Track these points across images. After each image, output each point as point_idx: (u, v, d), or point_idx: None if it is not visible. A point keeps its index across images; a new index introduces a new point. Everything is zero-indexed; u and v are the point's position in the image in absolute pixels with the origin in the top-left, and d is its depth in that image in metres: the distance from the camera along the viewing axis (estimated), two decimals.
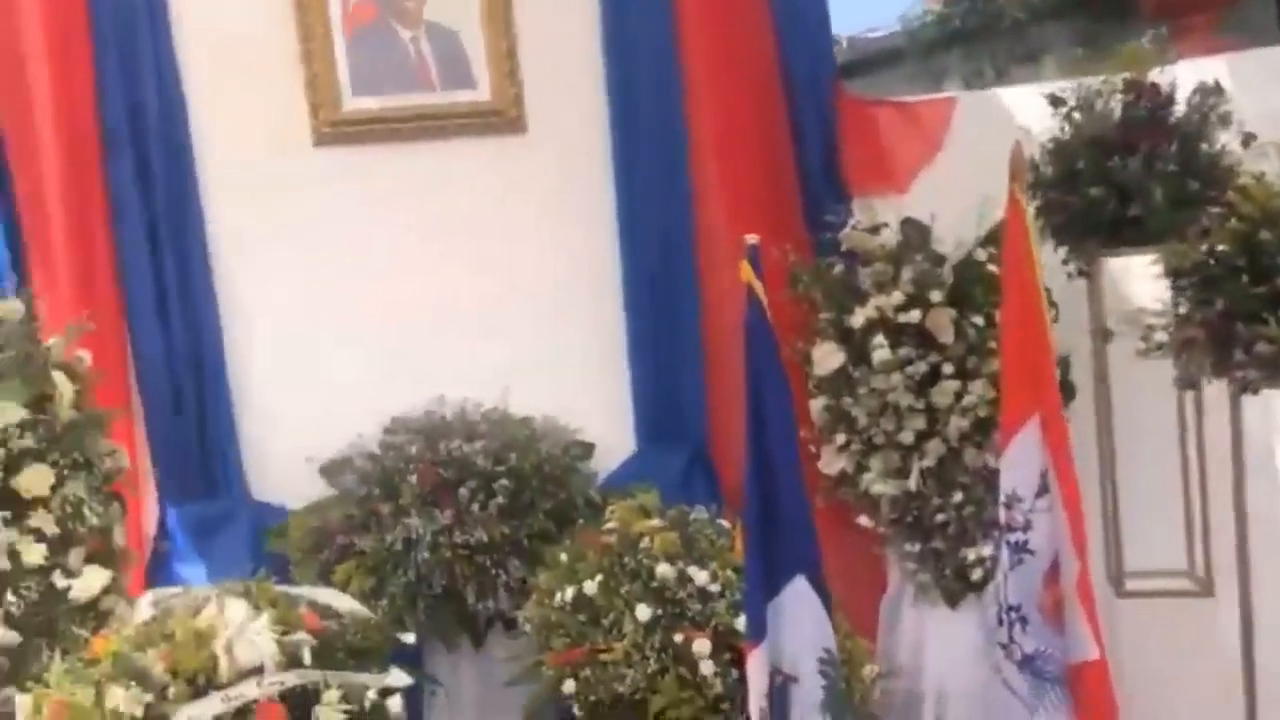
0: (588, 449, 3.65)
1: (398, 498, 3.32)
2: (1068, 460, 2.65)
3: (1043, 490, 2.70)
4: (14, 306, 2.83)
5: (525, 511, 3.36)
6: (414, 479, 3.32)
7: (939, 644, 3.32)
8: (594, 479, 3.63)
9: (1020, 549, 2.72)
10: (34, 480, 2.72)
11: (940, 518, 3.26)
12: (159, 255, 3.56)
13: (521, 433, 3.53)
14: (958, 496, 3.23)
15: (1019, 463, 2.72)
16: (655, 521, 2.95)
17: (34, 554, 2.70)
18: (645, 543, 2.83)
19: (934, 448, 3.25)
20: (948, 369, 3.22)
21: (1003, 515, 2.77)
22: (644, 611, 2.64)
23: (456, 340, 3.70)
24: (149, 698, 2.44)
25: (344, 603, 2.94)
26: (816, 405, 3.43)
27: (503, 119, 3.77)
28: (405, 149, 3.74)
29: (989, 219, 3.24)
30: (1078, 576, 2.62)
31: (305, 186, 3.68)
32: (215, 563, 3.42)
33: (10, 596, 2.69)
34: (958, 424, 3.22)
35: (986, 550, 3.16)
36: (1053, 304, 2.83)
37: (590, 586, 2.76)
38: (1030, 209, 2.78)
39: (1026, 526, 2.70)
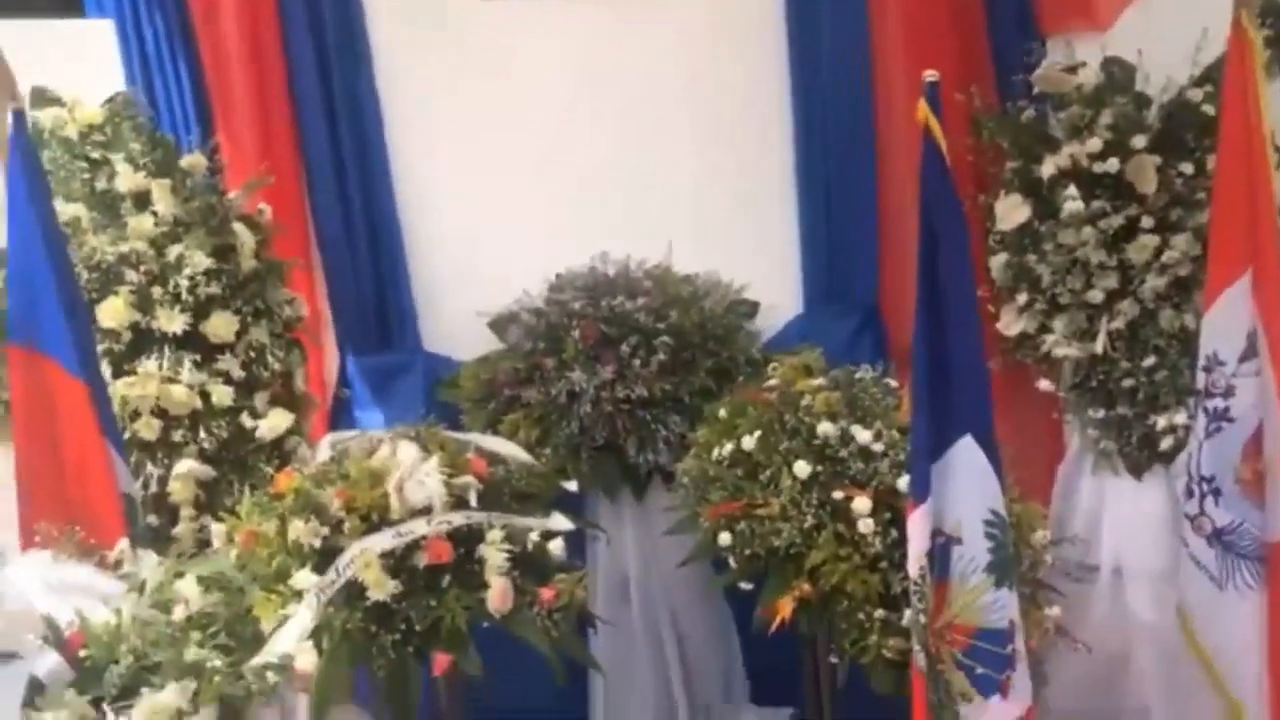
0: (752, 307, 3.58)
1: (561, 352, 3.35)
2: None
3: (1249, 354, 2.48)
4: (199, 160, 2.94)
5: (687, 368, 3.35)
6: (577, 334, 3.33)
7: (1119, 516, 3.13)
8: (758, 338, 3.57)
9: (1219, 416, 2.52)
10: (220, 326, 2.87)
11: (1128, 383, 3.03)
12: (334, 112, 3.61)
13: (684, 290, 3.48)
14: (1149, 361, 2.99)
15: (1223, 323, 2.50)
16: (818, 380, 2.86)
17: (223, 396, 2.87)
18: (807, 400, 2.74)
19: (1126, 308, 3.00)
20: (1147, 222, 2.94)
21: (1201, 380, 2.56)
22: (803, 468, 2.58)
23: (623, 196, 3.65)
24: (326, 531, 2.58)
25: (510, 450, 3.02)
26: (997, 262, 3.21)
27: None
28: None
29: (1207, 54, 2.90)
30: None
31: (475, 39, 3.64)
32: (391, 410, 3.57)
33: (203, 434, 2.86)
34: (1154, 283, 2.96)
35: (1179, 418, 2.93)
36: (1278, 148, 2.53)
37: (749, 442, 2.71)
38: (1259, 38, 2.45)
39: (1228, 392, 2.49)
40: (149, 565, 2.05)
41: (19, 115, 2.25)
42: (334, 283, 3.65)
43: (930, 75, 2.19)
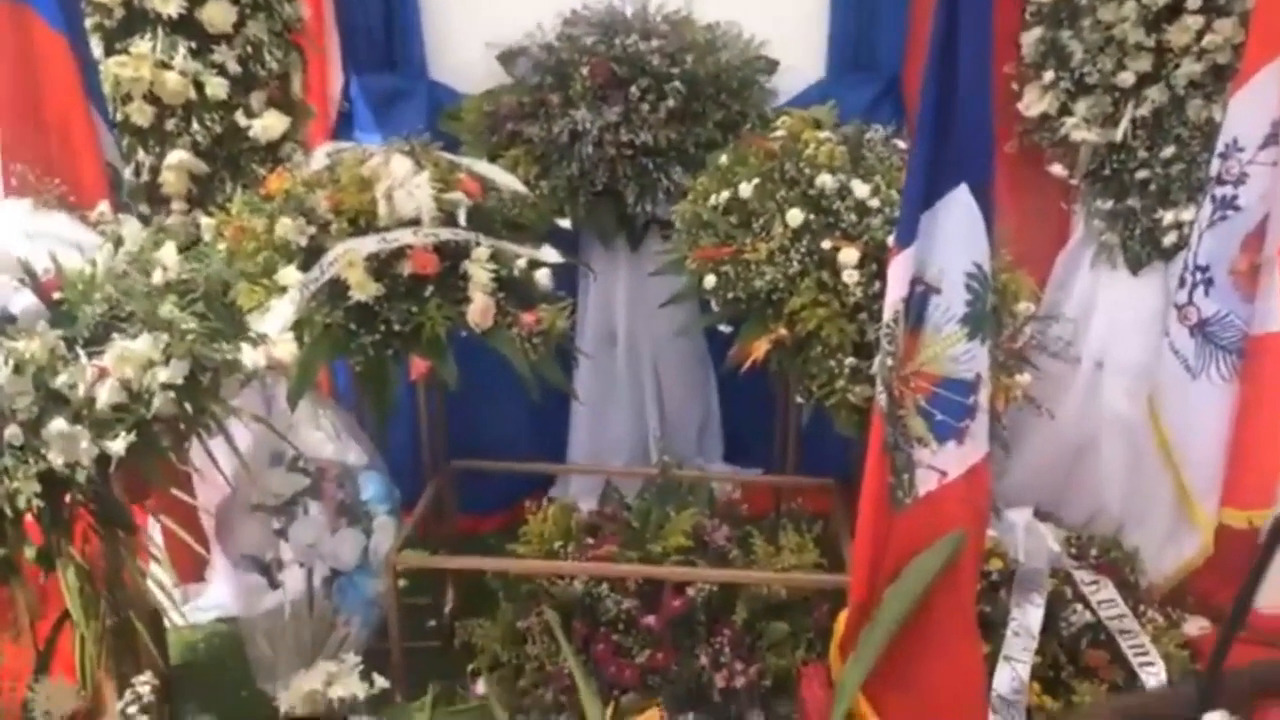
0: (771, 65, 3.45)
1: (569, 89, 3.25)
2: None
3: (1270, 142, 2.40)
4: None
5: (695, 119, 3.26)
6: (586, 72, 3.22)
7: (1110, 311, 3.11)
8: (773, 97, 3.45)
9: (1226, 204, 2.46)
10: (216, 14, 2.77)
11: (1142, 174, 2.95)
12: None
13: (702, 38, 3.35)
14: (1168, 151, 2.89)
15: (1251, 106, 2.41)
16: (826, 134, 2.78)
17: (217, 88, 2.80)
18: (810, 151, 2.67)
19: (1155, 94, 2.88)
20: (1193, 3, 2.78)
21: (1216, 165, 2.49)
22: (795, 216, 2.54)
23: None
24: (312, 230, 2.58)
25: (504, 178, 2.97)
26: (1030, 37, 3.07)
27: None
28: None
29: None
30: None
31: None
32: (391, 134, 3.50)
33: (196, 126, 2.82)
34: (1189, 69, 2.82)
35: (1186, 214, 2.86)
36: None
37: (746, 189, 2.67)
38: None
39: (1240, 180, 2.43)
40: (130, 228, 2.05)
41: None
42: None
43: None
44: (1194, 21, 2.79)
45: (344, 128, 3.54)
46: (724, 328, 2.66)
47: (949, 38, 2.05)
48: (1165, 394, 2.67)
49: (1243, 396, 2.50)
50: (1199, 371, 2.56)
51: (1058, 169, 3.11)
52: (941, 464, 2.14)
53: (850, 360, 2.40)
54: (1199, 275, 2.53)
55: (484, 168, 2.99)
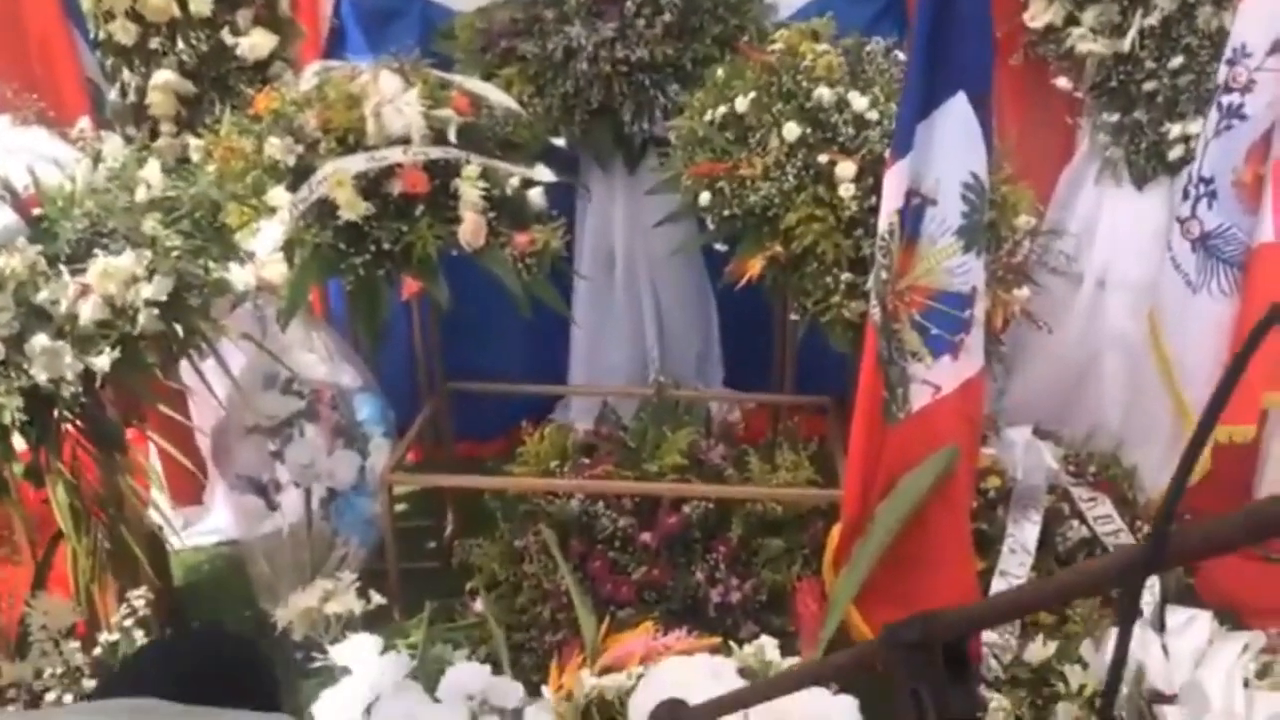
0: None
1: (562, 4, 3.17)
2: None
3: (1279, 48, 2.32)
4: None
5: (693, 34, 3.18)
6: None
7: (1114, 227, 3.06)
8: (772, 11, 3.37)
9: (1232, 113, 2.40)
10: None
11: (1150, 86, 2.88)
12: None
13: None
14: (1176, 61, 2.82)
15: (1258, 12, 2.34)
16: (824, 46, 2.71)
17: (201, 4, 2.75)
18: (808, 63, 2.61)
19: (1164, 1, 2.80)
20: None
21: (1223, 72, 2.43)
22: (792, 130, 2.49)
23: None
24: (300, 149, 2.54)
25: (498, 96, 2.92)
26: None
27: None
28: None
29: None
30: None
31: None
32: (383, 52, 3.42)
33: (181, 45, 2.77)
34: None
35: (1194, 127, 2.80)
36: None
37: (742, 103, 2.61)
38: None
39: (1247, 87, 2.36)
40: (111, 145, 2.02)
41: None
42: None
43: None
44: None
45: (335, 47, 3.47)
46: (720, 246, 2.63)
47: None
48: (1166, 310, 2.64)
49: (1239, 310, 2.47)
50: (1200, 286, 2.52)
51: (1063, 82, 3.04)
52: (936, 378, 2.12)
53: (846, 275, 2.37)
54: (1203, 188, 2.47)
55: (476, 85, 2.93)
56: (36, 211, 1.81)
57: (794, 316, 2.48)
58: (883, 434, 2.14)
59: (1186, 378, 2.66)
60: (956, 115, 2.03)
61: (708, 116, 2.72)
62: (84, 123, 2.05)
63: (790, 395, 3.10)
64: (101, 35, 2.70)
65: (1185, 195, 2.54)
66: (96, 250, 1.78)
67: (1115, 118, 2.98)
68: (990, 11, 2.11)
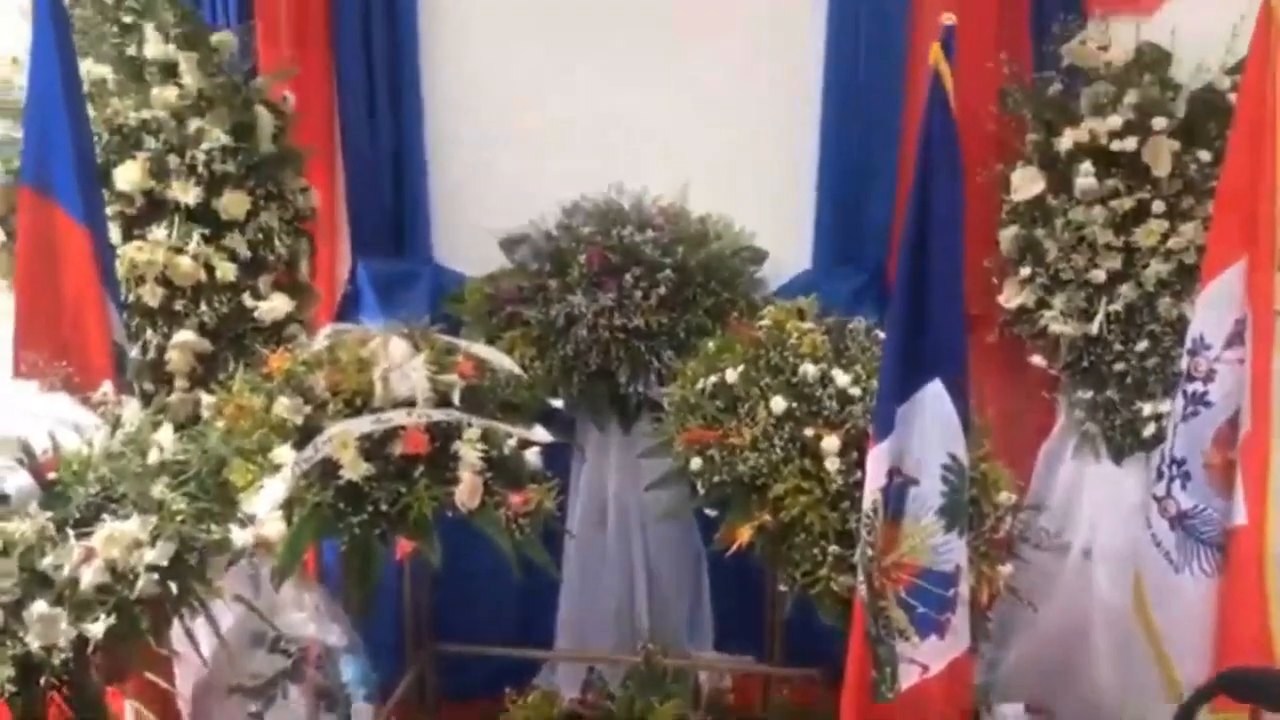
0: (759, 255, 3.59)
1: (566, 275, 3.38)
2: (1269, 313, 2.42)
3: (1234, 340, 2.48)
4: (228, 38, 2.98)
5: (686, 305, 3.37)
6: (583, 259, 3.36)
7: (1096, 499, 3.14)
8: (762, 285, 3.58)
9: (1197, 400, 2.52)
10: (232, 204, 2.93)
11: (1119, 367, 3.04)
12: (370, 14, 3.63)
13: (695, 229, 3.51)
14: (1142, 345, 2.99)
15: (1214, 307, 2.51)
16: (809, 324, 2.88)
17: (227, 271, 2.93)
18: (794, 340, 2.77)
19: (1126, 291, 3.00)
20: (1158, 207, 2.94)
21: (1185, 362, 2.57)
22: (779, 404, 2.61)
23: (647, 132, 3.65)
24: (309, 410, 2.65)
25: (499, 360, 3.07)
26: (1007, 235, 3.22)
27: None
28: None
29: (1242, 44, 2.87)
30: (1248, 438, 2.42)
31: None
32: (395, 316, 3.59)
33: (204, 307, 2.93)
34: (1157, 268, 2.96)
35: (1164, 407, 2.93)
36: None
37: (732, 375, 2.75)
38: None
39: (1209, 377, 2.50)
40: (130, 410, 2.12)
41: None
42: (353, 181, 3.69)
43: (948, 18, 2.18)
44: (1159, 225, 2.94)
45: (348, 310, 3.66)
46: (710, 511, 2.69)
47: (920, 237, 2.17)
48: (1151, 585, 2.67)
49: (1225, 592, 2.50)
50: (1182, 565, 2.56)
51: (1038, 359, 3.20)
52: (923, 658, 2.13)
53: (834, 549, 2.42)
54: (1176, 469, 2.57)
55: (481, 349, 3.09)
56: (52, 475, 1.88)
57: (783, 587, 2.51)
58: (872, 713, 2.12)
59: (1176, 652, 2.65)
60: (934, 400, 2.15)
61: (699, 385, 2.85)
62: (107, 387, 2.16)
63: (781, 665, 3.07)
64: (131, 298, 2.87)
65: (1160, 475, 2.64)
66: (105, 515, 1.84)
67: (1089, 395, 3.12)
68: (962, 299, 2.28)
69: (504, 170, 3.68)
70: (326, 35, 3.61)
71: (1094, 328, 3.04)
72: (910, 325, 2.14)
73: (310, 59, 3.53)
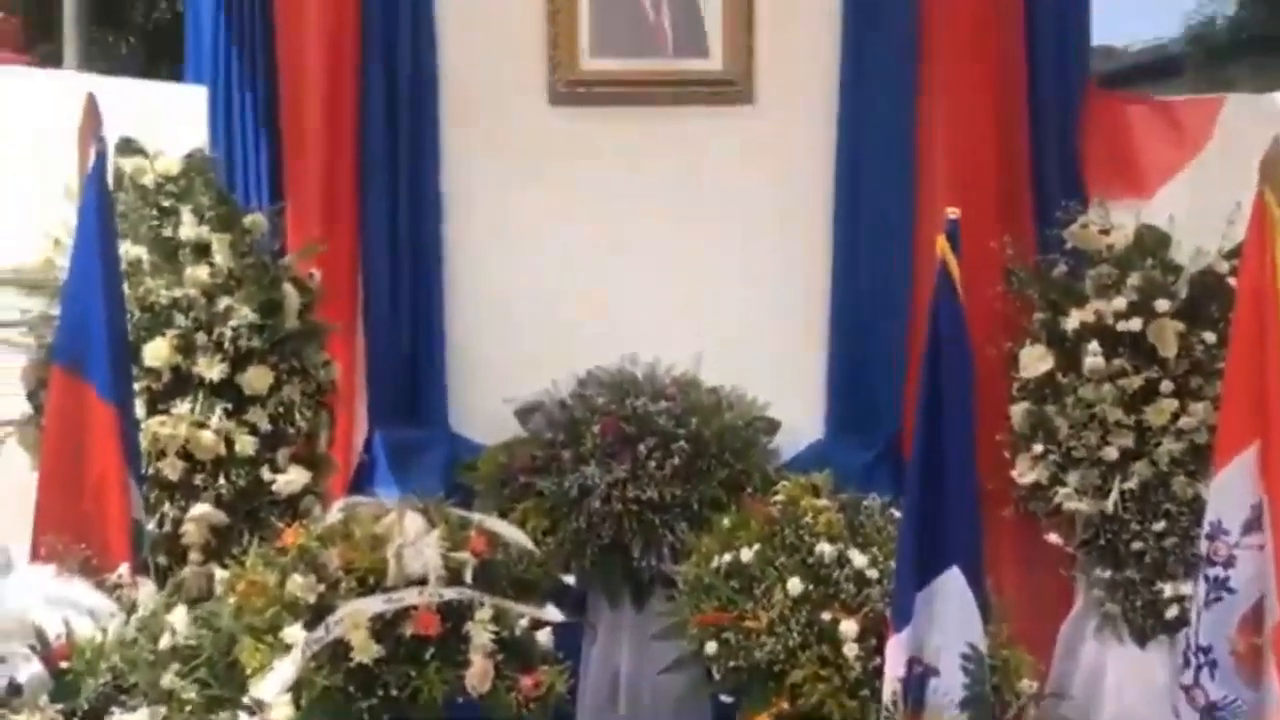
0: (772, 425, 3.62)
1: (580, 446, 3.41)
2: None
3: (1253, 526, 2.46)
4: (259, 220, 3.11)
5: (700, 477, 3.39)
6: (597, 429, 3.40)
7: (1120, 681, 3.07)
8: (775, 456, 3.60)
9: (1219, 585, 2.49)
10: (256, 379, 2.99)
11: (1138, 546, 3.02)
12: (396, 194, 3.78)
13: (708, 400, 3.55)
14: (1160, 525, 2.98)
15: (1229, 492, 2.49)
16: (824, 502, 2.89)
17: (246, 445, 2.96)
18: (809, 519, 2.77)
19: (1140, 469, 3.01)
20: (1166, 386, 2.98)
21: (1204, 547, 2.54)
22: (795, 585, 2.59)
23: (660, 304, 3.76)
24: (322, 588, 2.62)
25: (513, 534, 3.05)
26: (1018, 411, 3.25)
27: (732, 89, 3.79)
28: (634, 112, 3.82)
29: (1239, 229, 2.96)
30: (1278, 628, 2.37)
31: (535, 140, 3.82)
32: (410, 484, 3.62)
33: (223, 481, 2.95)
34: (1170, 447, 2.98)
35: (1186, 588, 2.89)
36: None
37: (747, 554, 2.74)
38: None
39: (1229, 562, 2.47)
40: (145, 592, 2.12)
41: (100, 156, 2.43)
42: (373, 353, 3.77)
43: (952, 213, 2.28)
44: (1168, 404, 2.97)
45: (364, 479, 3.68)
46: (726, 698, 2.63)
47: (932, 427, 2.20)
48: None
49: None
50: None
51: (1054, 536, 3.18)
52: None
53: None
54: (1202, 657, 2.51)
55: (494, 523, 3.07)
56: (64, 664, 1.87)
57: None
58: None
59: None
60: (952, 587, 2.13)
61: (714, 563, 2.83)
62: (124, 569, 2.16)
63: None
64: (150, 471, 2.89)
65: (1186, 662, 2.57)
66: (114, 708, 1.82)
67: (1108, 574, 3.09)
68: (976, 488, 2.29)
69: (520, 340, 3.77)
70: (354, 213, 3.76)
71: (1109, 505, 3.04)
72: (926, 512, 2.15)
73: (337, 236, 3.66)
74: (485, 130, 3.83)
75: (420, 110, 3.78)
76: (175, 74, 4.65)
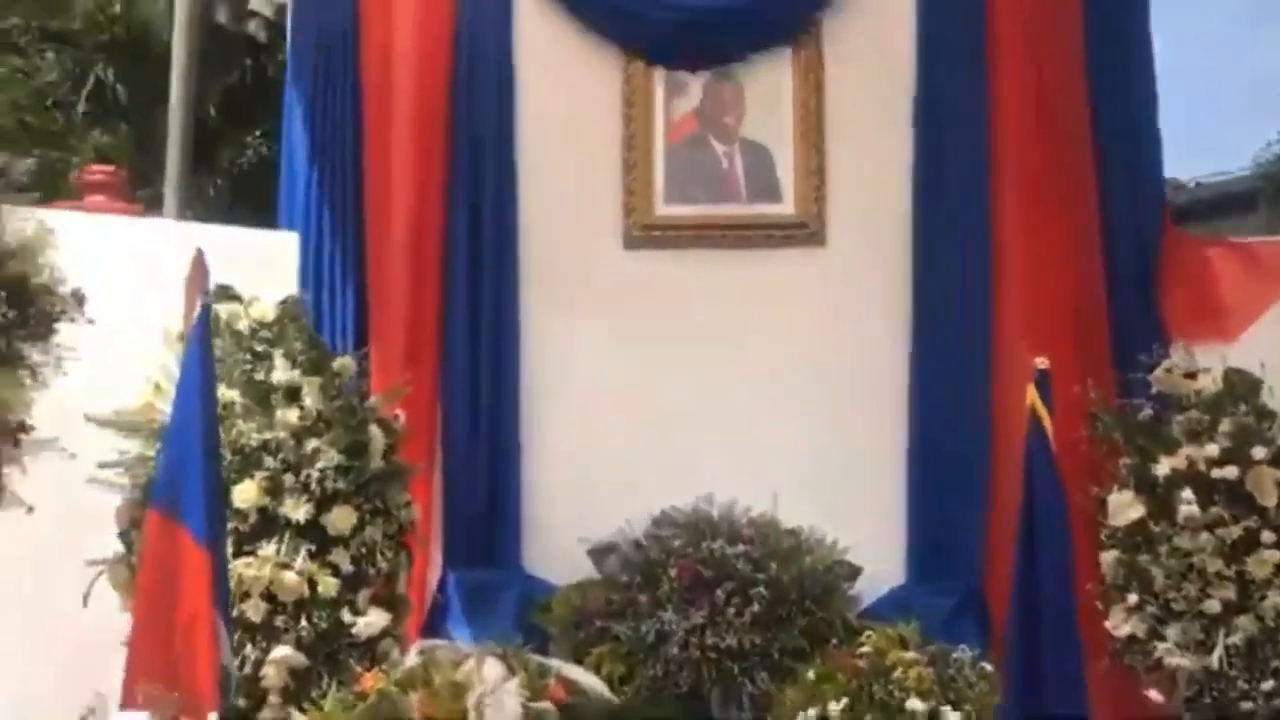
0: (853, 571, 3.55)
1: (656, 589, 3.37)
2: None
3: None
4: (349, 363, 3.19)
5: (780, 624, 3.31)
6: (674, 573, 3.36)
7: None
8: (856, 603, 3.51)
9: None
10: (340, 519, 3.02)
11: (1246, 706, 2.87)
12: (476, 338, 3.85)
13: (787, 543, 3.50)
14: (1269, 684, 2.83)
15: None
16: (912, 654, 2.80)
17: (329, 587, 2.97)
18: (899, 674, 2.69)
19: (1245, 624, 2.88)
20: (1268, 537, 2.87)
21: None
22: None
23: (736, 443, 3.75)
24: None
25: (592, 682, 3.02)
26: (1108, 558, 3.15)
27: (805, 232, 3.86)
28: (708, 255, 3.90)
29: None
30: None
31: (611, 284, 3.91)
32: (483, 626, 3.59)
33: (304, 623, 2.95)
34: (1276, 600, 2.85)
35: None
36: None
37: (834, 709, 2.66)
38: None
39: None
40: None
41: (206, 308, 2.53)
42: (449, 494, 3.79)
43: (1041, 363, 2.27)
44: (1271, 555, 2.87)
45: (437, 619, 3.65)
46: None
47: (1029, 570, 2.14)
48: None
49: None
50: None
51: (1154, 694, 3.05)
52: None
53: None
54: None
55: (573, 670, 3.04)
56: None
57: None
58: None
59: None
60: None
61: (800, 718, 2.75)
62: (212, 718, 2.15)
63: None
64: (234, 613, 2.90)
65: None
66: None
67: None
68: (1079, 646, 2.21)
69: (594, 479, 3.76)
70: (435, 357, 3.84)
71: (1214, 662, 2.90)
72: (1028, 672, 2.08)
73: (418, 378, 3.72)
74: (562, 274, 3.91)
75: (501, 257, 3.88)
76: (259, 215, 4.94)
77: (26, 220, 2.71)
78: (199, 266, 2.54)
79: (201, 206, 6.44)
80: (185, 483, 2.48)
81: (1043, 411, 2.23)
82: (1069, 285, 3.62)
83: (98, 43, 6.80)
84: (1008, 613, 2.14)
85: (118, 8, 6.73)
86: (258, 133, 7.19)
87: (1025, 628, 2.09)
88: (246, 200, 6.73)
